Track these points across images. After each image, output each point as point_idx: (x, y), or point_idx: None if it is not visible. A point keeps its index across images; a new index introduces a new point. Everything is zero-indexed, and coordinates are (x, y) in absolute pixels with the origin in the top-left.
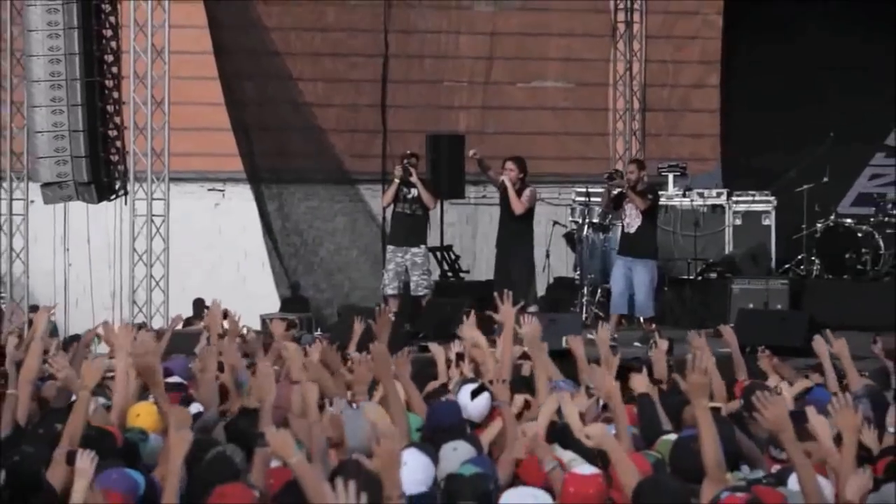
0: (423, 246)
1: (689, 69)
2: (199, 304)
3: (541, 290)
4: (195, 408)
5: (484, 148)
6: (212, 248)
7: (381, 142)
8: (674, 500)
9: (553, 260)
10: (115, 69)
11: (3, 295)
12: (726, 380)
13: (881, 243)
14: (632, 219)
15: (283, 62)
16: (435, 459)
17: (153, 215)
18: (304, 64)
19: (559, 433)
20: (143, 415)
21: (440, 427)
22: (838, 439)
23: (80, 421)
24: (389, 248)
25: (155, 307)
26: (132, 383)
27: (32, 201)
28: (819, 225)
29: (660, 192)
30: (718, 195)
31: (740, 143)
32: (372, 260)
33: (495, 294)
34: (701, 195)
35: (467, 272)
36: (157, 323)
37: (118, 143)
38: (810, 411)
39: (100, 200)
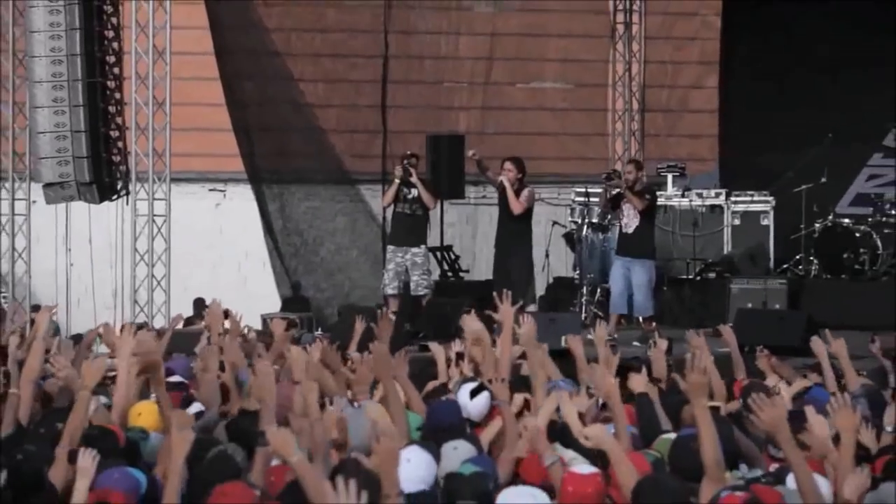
0: (423, 246)
1: (688, 70)
2: (199, 304)
3: (540, 290)
4: (196, 407)
5: (484, 148)
6: (213, 248)
7: (382, 142)
8: (673, 499)
9: (552, 260)
10: (116, 70)
11: (5, 295)
12: (725, 379)
13: (879, 243)
14: (629, 219)
15: (283, 63)
16: (437, 457)
17: (155, 215)
18: (304, 64)
19: (559, 432)
20: (145, 414)
21: (440, 426)
22: (837, 439)
23: (80, 420)
24: (389, 248)
25: (156, 307)
26: (133, 383)
27: (34, 201)
28: (817, 225)
29: (659, 193)
30: (717, 195)
31: (739, 143)
32: (372, 260)
33: (494, 294)
34: (700, 195)
35: (467, 272)
36: (159, 323)
37: (120, 144)
38: (809, 411)
39: (101, 201)
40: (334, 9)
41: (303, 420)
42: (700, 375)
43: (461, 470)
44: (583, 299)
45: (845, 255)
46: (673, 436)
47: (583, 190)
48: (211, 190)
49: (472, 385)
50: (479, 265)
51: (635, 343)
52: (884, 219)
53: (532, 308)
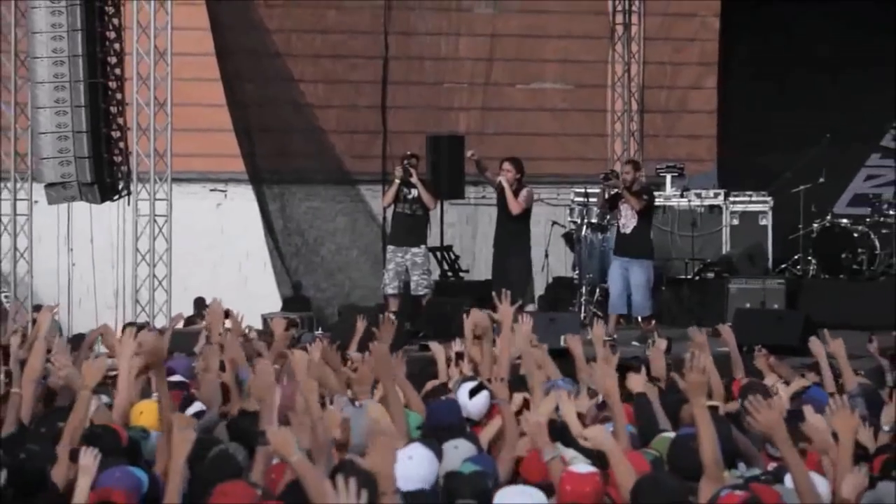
0: (423, 246)
1: (687, 71)
2: (199, 303)
3: (540, 290)
4: (197, 406)
5: (483, 149)
6: (214, 248)
7: (382, 143)
8: (672, 498)
9: (552, 260)
10: (118, 71)
11: (7, 294)
12: (725, 379)
13: (877, 243)
14: (627, 219)
15: (284, 64)
16: (440, 455)
17: (156, 215)
18: (305, 65)
19: (559, 431)
20: (147, 412)
21: (440, 425)
22: (835, 437)
23: (80, 419)
24: (390, 248)
25: (158, 307)
26: (134, 383)
27: (36, 202)
28: (815, 225)
29: (658, 193)
30: (716, 196)
31: (738, 143)
32: (372, 260)
33: (493, 293)
34: (698, 195)
35: (467, 272)
36: (160, 322)
37: (121, 144)
38: (807, 410)
39: (103, 201)
40: (335, 10)
41: (304, 419)
42: (699, 375)
43: (461, 469)
44: (582, 299)
45: (843, 255)
46: (671, 434)
47: (582, 190)
48: (212, 190)
49: (471, 384)
50: (479, 265)
51: (634, 343)
52: (881, 219)
53: (531, 308)
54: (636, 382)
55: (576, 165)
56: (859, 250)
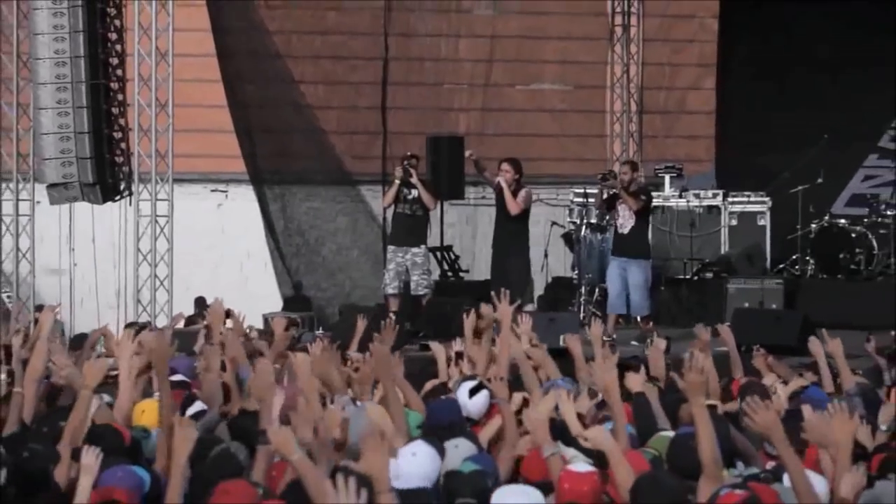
0: (423, 246)
1: (686, 72)
2: (200, 303)
3: (539, 290)
4: (198, 406)
5: (483, 149)
6: (215, 249)
7: (382, 143)
8: (671, 497)
9: (551, 260)
10: (119, 72)
11: (9, 294)
12: (724, 378)
13: (875, 243)
14: (625, 220)
15: (284, 65)
16: (442, 453)
17: (157, 216)
18: (305, 66)
19: (559, 430)
20: (148, 411)
21: (440, 425)
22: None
23: (81, 419)
24: (390, 248)
25: (159, 306)
26: (135, 382)
27: (38, 202)
28: (813, 225)
29: (656, 193)
30: (714, 196)
31: (736, 144)
32: (373, 260)
33: (492, 293)
34: (697, 196)
35: (467, 272)
36: (162, 322)
37: (123, 145)
38: (806, 409)
39: (105, 201)
40: (335, 11)
41: (304, 418)
42: (698, 375)
43: (461, 468)
44: (581, 299)
45: (841, 256)
46: (670, 433)
47: (581, 191)
48: (213, 191)
49: (471, 383)
50: (479, 265)
51: (633, 342)
52: (879, 219)
53: (531, 308)
54: (635, 382)
55: (575, 166)
56: (857, 250)
